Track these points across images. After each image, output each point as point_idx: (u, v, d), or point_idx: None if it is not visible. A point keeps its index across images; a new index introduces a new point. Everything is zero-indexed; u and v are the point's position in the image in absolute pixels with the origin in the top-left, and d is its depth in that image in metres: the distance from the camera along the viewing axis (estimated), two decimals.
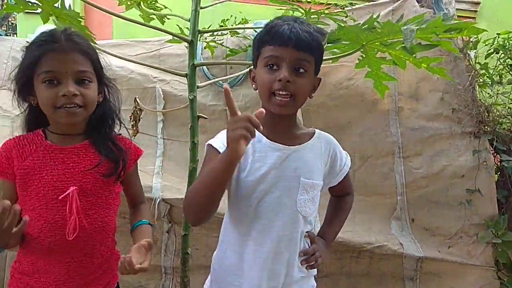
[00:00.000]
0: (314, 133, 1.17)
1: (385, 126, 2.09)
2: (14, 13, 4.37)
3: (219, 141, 1.07)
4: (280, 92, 1.02)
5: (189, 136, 1.54)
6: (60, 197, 1.03)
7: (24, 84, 1.05)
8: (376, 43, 1.22)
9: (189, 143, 1.55)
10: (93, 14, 3.93)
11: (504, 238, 1.88)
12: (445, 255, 1.99)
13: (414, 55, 1.27)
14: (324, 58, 1.11)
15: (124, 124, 1.23)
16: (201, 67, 2.22)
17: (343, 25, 1.17)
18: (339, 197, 1.31)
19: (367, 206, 2.07)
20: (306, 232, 1.14)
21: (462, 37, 2.07)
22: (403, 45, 1.20)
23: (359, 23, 1.12)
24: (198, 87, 1.52)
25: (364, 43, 1.22)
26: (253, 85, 1.12)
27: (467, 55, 2.08)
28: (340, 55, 1.34)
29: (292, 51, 1.01)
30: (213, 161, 1.02)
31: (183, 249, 1.62)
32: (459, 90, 2.04)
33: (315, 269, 1.20)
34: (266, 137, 1.09)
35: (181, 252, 1.65)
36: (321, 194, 1.17)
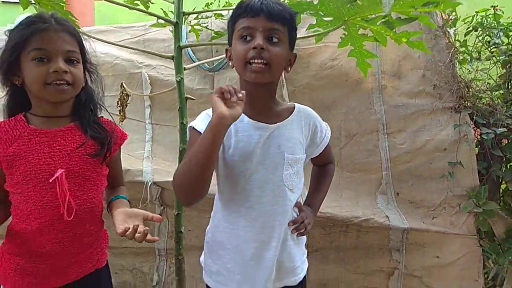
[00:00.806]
0: (294, 108, 1.20)
1: (369, 105, 2.14)
2: None
3: (200, 122, 1.11)
4: (255, 60, 1.04)
5: (178, 117, 1.56)
6: (50, 180, 1.04)
7: (10, 64, 1.05)
8: (358, 19, 1.25)
9: (178, 125, 1.58)
10: (74, 3, 3.89)
11: (485, 207, 1.95)
12: (429, 225, 2.05)
13: (394, 30, 1.31)
14: (307, 35, 1.15)
15: (106, 110, 1.25)
16: (186, 51, 2.24)
17: None
18: (321, 166, 1.36)
19: (353, 182, 2.13)
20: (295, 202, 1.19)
21: (441, 15, 2.11)
22: (383, 20, 1.24)
23: None
24: (184, 69, 1.54)
25: (346, 19, 1.26)
26: (230, 63, 1.14)
27: (446, 32, 2.13)
28: (324, 31, 1.37)
29: (264, 20, 1.04)
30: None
31: (177, 228, 1.66)
32: (439, 67, 2.09)
33: (305, 237, 1.26)
34: (248, 117, 1.12)
35: (174, 231, 1.68)
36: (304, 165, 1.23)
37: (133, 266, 2.31)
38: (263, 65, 1.04)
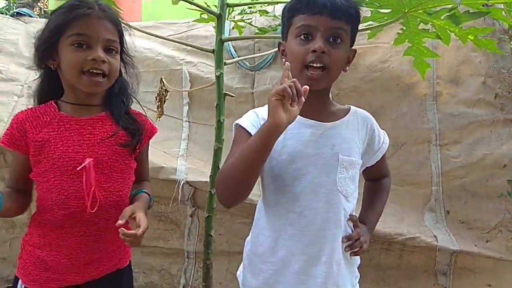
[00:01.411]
0: (350, 109, 1.10)
1: (421, 112, 1.98)
2: None
3: (247, 121, 1.03)
4: (314, 65, 0.95)
5: (215, 115, 1.48)
6: (77, 169, 1.01)
7: (48, 46, 1.02)
8: (419, 11, 1.12)
9: (215, 122, 1.50)
10: (122, 0, 3.98)
11: None
12: (482, 249, 1.87)
13: (460, 26, 1.16)
14: (360, 30, 1.04)
15: (139, 103, 1.21)
16: (228, 48, 2.17)
17: None
18: (376, 180, 1.22)
19: (399, 196, 1.96)
20: (349, 214, 1.06)
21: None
22: (449, 13, 1.10)
23: None
24: (225, 63, 1.47)
25: (406, 11, 1.13)
26: (283, 59, 1.05)
27: None
28: (379, 25, 1.25)
29: (327, 19, 0.94)
30: (243, 142, 0.98)
31: (206, 231, 1.57)
32: (502, 74, 1.90)
33: (359, 257, 1.12)
34: (300, 114, 1.01)
35: (204, 234, 1.60)
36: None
37: (161, 267, 2.26)
38: (322, 70, 0.96)
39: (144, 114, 1.20)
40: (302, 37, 0.96)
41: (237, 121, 1.05)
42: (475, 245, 1.88)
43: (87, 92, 1.04)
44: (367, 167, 1.15)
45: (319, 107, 1.04)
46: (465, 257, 1.88)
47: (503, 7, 1.17)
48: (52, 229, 1.06)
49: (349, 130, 1.06)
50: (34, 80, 1.12)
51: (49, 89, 1.10)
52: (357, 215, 1.20)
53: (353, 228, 1.08)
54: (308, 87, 0.86)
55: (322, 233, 1.01)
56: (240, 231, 2.04)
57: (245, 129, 1.01)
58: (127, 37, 1.14)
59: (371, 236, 1.15)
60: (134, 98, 1.19)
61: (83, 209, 1.03)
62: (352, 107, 1.11)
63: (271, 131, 0.86)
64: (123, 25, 1.12)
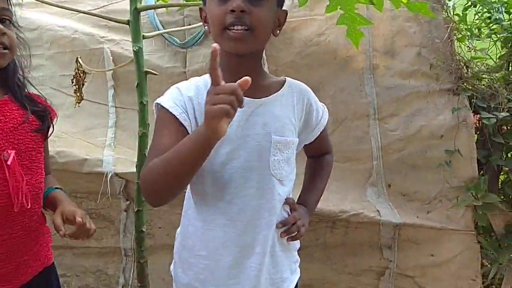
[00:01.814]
0: (285, 82, 1.00)
1: (359, 86, 1.93)
2: None
3: (170, 100, 0.90)
4: (235, 27, 0.85)
5: (136, 96, 1.32)
6: (8, 162, 0.91)
7: None
8: None
9: (137, 105, 1.33)
10: None
11: (485, 200, 1.78)
12: (423, 220, 1.88)
13: None
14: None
15: (32, 85, 1.10)
16: (155, 24, 1.98)
17: None
18: (317, 157, 1.15)
19: (341, 173, 1.92)
20: (285, 198, 0.98)
21: None
22: None
23: None
24: (144, 37, 1.29)
25: None
26: (206, 27, 0.94)
27: (445, 6, 1.93)
28: None
29: None
30: (167, 125, 0.87)
31: (137, 227, 1.43)
32: (436, 44, 1.89)
33: (298, 241, 1.05)
34: None
35: (134, 231, 1.45)
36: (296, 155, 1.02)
37: (96, 268, 2.08)
38: (245, 31, 0.86)
39: (43, 97, 1.10)
40: None
41: (157, 100, 0.92)
42: (417, 217, 1.89)
43: None
44: (306, 144, 1.07)
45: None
46: (408, 229, 1.89)
47: None
48: None
49: (283, 106, 0.96)
50: None
51: None
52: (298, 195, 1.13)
53: (289, 212, 1.00)
54: (249, 79, 0.72)
55: (255, 222, 0.93)
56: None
57: (167, 110, 0.89)
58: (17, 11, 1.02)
59: (312, 216, 1.09)
60: (28, 81, 1.08)
61: (8, 209, 0.94)
62: (287, 79, 1.02)
63: (212, 141, 0.75)
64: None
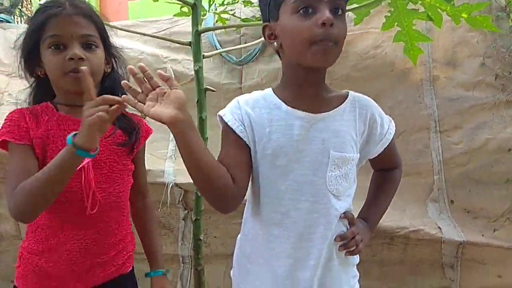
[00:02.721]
0: (347, 96, 0.98)
1: (418, 98, 1.88)
2: (28, 3, 4.37)
3: (229, 113, 0.94)
4: (323, 41, 0.84)
5: (196, 111, 1.39)
6: (77, 168, 0.96)
7: (30, 52, 1.02)
8: None
9: (196, 119, 1.40)
10: (108, 2, 3.92)
11: None
12: (489, 239, 1.78)
13: (452, 2, 1.06)
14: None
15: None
16: (213, 43, 2.08)
17: None
18: (383, 171, 1.12)
19: (400, 187, 1.83)
20: (342, 213, 0.97)
21: None
22: None
23: None
24: (204, 56, 1.37)
25: None
26: (274, 43, 0.93)
27: (511, 14, 1.83)
28: (368, 3, 1.15)
29: None
30: (228, 140, 0.93)
31: (195, 236, 1.49)
32: (502, 54, 1.80)
33: (357, 256, 1.03)
34: (287, 104, 0.93)
35: (192, 239, 1.51)
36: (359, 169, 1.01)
37: None
38: (332, 45, 0.85)
39: (142, 117, 1.17)
40: (301, 11, 0.85)
41: (219, 113, 0.96)
42: (483, 235, 1.79)
43: (74, 91, 1.01)
44: (371, 158, 1.05)
45: (311, 94, 0.94)
46: (473, 248, 1.79)
47: None
48: (50, 234, 1.03)
49: (344, 121, 0.94)
50: (24, 89, 1.10)
51: (42, 94, 1.08)
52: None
53: (348, 227, 0.99)
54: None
55: (309, 235, 0.93)
56: (236, 233, 1.94)
57: (227, 123, 0.93)
58: (113, 37, 1.10)
59: (372, 232, 1.07)
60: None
61: (83, 211, 1.01)
62: (351, 93, 0.99)
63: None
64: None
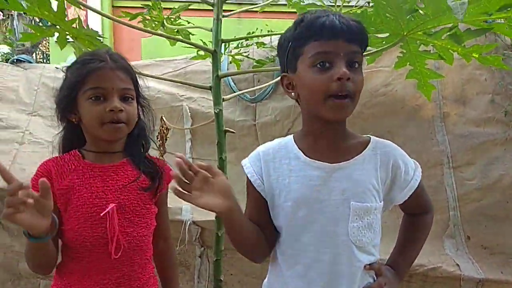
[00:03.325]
0: (369, 142, 0.95)
1: (430, 134, 1.91)
2: (47, 42, 4.54)
3: (249, 165, 0.97)
4: (340, 94, 0.84)
5: (217, 153, 1.44)
6: (101, 214, 1.03)
7: (68, 102, 1.07)
8: (419, 33, 1.08)
9: (217, 160, 1.44)
10: (122, 39, 4.05)
11: None
12: (509, 276, 1.75)
13: (463, 44, 1.11)
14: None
15: (156, 144, 1.28)
16: (228, 82, 2.15)
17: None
18: (414, 216, 1.06)
19: None
20: (368, 265, 0.94)
21: None
22: (449, 32, 1.06)
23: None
24: (223, 99, 1.43)
25: (404, 33, 1.09)
26: (292, 93, 0.94)
27: None
28: (378, 49, 1.21)
29: (344, 44, 0.85)
30: (250, 192, 0.97)
31: (216, 276, 1.49)
32: (510, 91, 1.84)
33: None
34: (305, 154, 0.93)
35: (214, 280, 1.52)
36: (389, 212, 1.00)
37: None
38: (348, 98, 0.85)
39: (163, 159, 1.24)
40: (318, 65, 0.86)
41: (242, 163, 0.99)
42: (502, 272, 1.77)
43: (109, 140, 1.07)
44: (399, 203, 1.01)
45: (330, 143, 0.93)
46: (492, 286, 1.76)
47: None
48: (77, 278, 1.06)
49: (364, 170, 0.92)
50: (57, 133, 1.15)
51: (73, 139, 1.13)
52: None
53: (375, 277, 0.96)
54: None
55: (333, 287, 0.92)
56: (252, 270, 1.96)
57: (247, 175, 0.96)
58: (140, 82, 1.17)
59: (401, 280, 1.04)
60: (152, 140, 1.21)
61: (107, 255, 1.03)
62: (372, 139, 0.97)
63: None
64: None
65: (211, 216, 1.89)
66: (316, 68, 0.86)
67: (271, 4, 1.82)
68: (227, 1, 1.42)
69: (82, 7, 1.42)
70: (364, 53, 0.94)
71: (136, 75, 1.13)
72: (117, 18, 1.50)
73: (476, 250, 1.82)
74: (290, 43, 0.92)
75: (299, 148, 0.94)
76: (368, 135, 0.98)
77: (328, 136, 0.92)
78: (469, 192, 1.84)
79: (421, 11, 0.98)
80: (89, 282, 1.05)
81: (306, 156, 0.93)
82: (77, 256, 1.04)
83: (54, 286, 1.10)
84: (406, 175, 0.95)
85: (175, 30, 1.76)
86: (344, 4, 1.72)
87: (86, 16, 4.27)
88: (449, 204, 1.85)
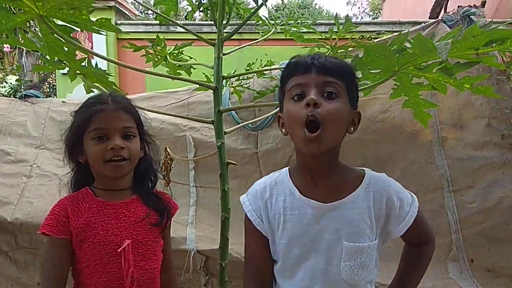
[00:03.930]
0: (363, 178, 0.95)
1: (429, 159, 1.95)
2: (54, 73, 4.65)
3: (248, 203, 0.99)
4: (310, 119, 0.85)
5: (218, 182, 1.47)
6: (118, 250, 1.06)
7: (75, 143, 1.13)
8: (410, 68, 1.12)
9: (220, 191, 1.48)
10: (127, 70, 4.15)
11: None
12: None
13: (454, 76, 1.16)
14: None
15: (163, 176, 1.34)
16: (230, 112, 2.20)
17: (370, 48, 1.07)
18: (414, 246, 1.05)
19: None
20: None
21: (502, 58, 1.93)
22: (440, 66, 1.10)
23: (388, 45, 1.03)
24: (225, 132, 1.47)
25: (396, 69, 1.13)
26: (283, 130, 0.96)
27: (510, 76, 1.94)
28: (372, 84, 1.25)
29: (317, 76, 0.89)
30: (249, 231, 0.98)
31: None
32: (506, 115, 1.89)
33: None
34: (300, 191, 0.94)
35: None
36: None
37: None
38: (317, 128, 0.85)
39: (167, 193, 1.29)
40: (295, 98, 0.90)
41: (241, 199, 1.01)
42: None
43: (113, 177, 1.11)
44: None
45: (324, 182, 0.93)
46: None
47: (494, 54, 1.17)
48: None
49: (358, 209, 0.91)
50: (67, 173, 1.20)
51: (82, 178, 1.18)
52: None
53: None
54: None
55: None
56: None
57: (247, 215, 0.98)
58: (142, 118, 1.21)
59: None
60: (160, 172, 1.27)
61: None
62: (367, 173, 0.96)
63: None
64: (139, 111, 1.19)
65: (215, 245, 1.91)
66: (293, 100, 0.90)
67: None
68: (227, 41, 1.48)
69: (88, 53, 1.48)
70: (362, 88, 0.96)
71: (139, 113, 1.17)
72: (121, 62, 1.57)
73: (480, 273, 1.83)
74: (280, 83, 0.97)
75: (294, 184, 0.95)
76: (363, 168, 0.98)
77: (319, 171, 0.92)
78: (470, 215, 1.86)
79: (409, 50, 1.03)
80: None
81: (301, 194, 0.94)
82: None
83: None
84: (401, 211, 0.94)
85: (177, 65, 1.82)
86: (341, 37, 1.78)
87: (92, 47, 4.39)
88: (450, 228, 1.87)
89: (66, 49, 1.33)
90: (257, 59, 2.30)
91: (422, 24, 2.15)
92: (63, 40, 1.23)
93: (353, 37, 1.80)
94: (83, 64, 1.42)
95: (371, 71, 1.17)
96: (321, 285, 0.92)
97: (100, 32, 1.29)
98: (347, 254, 0.90)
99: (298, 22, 1.87)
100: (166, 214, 1.18)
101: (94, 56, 1.51)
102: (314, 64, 0.90)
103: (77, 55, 1.41)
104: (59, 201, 1.13)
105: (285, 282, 0.96)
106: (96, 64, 1.51)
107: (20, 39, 1.32)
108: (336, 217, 0.91)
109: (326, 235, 0.91)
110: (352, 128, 0.95)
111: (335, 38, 1.71)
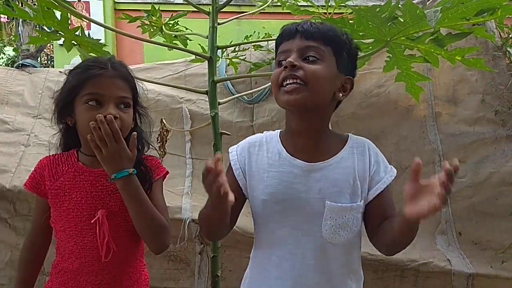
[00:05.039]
0: (347, 141, 0.98)
1: (422, 134, 1.96)
2: (51, 45, 4.63)
3: (235, 153, 1.02)
4: (288, 81, 0.89)
5: (212, 154, 1.50)
6: (91, 221, 1.05)
7: (65, 104, 1.09)
8: (402, 38, 1.13)
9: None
10: (124, 42, 4.12)
11: None
12: (498, 271, 1.81)
13: (445, 48, 1.17)
14: None
15: (154, 147, 1.29)
16: (225, 84, 2.21)
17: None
18: (384, 221, 0.96)
19: None
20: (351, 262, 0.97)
21: (500, 34, 1.93)
22: (432, 37, 1.11)
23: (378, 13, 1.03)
24: (219, 103, 1.49)
25: (388, 39, 1.14)
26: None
27: (507, 52, 1.94)
28: (365, 54, 1.26)
29: (299, 41, 0.91)
30: (228, 175, 0.97)
31: (213, 272, 1.56)
32: (501, 91, 1.89)
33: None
34: (287, 151, 0.97)
35: (211, 275, 1.58)
36: None
37: None
38: (297, 84, 0.88)
39: (158, 157, 1.27)
40: (279, 63, 0.94)
41: (231, 149, 1.04)
42: (491, 267, 1.82)
43: None
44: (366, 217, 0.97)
45: (310, 143, 0.96)
46: (482, 280, 1.81)
47: (486, 25, 1.17)
48: (70, 277, 1.09)
49: (342, 169, 0.94)
50: (54, 134, 1.17)
51: (70, 141, 1.15)
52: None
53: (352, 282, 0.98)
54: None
55: (306, 281, 0.94)
56: None
57: (231, 164, 1.01)
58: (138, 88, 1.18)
59: (380, 264, 1.05)
60: (149, 143, 1.23)
61: (98, 258, 1.06)
62: (350, 137, 0.99)
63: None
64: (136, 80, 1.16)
65: None
66: (277, 66, 0.94)
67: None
68: (222, 10, 1.47)
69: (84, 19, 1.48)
70: (351, 54, 0.96)
71: (136, 83, 1.14)
72: (118, 29, 1.57)
73: (467, 246, 1.87)
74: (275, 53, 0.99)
75: (283, 145, 0.98)
76: (347, 133, 1.00)
77: (305, 133, 0.95)
78: (460, 190, 1.89)
79: (400, 19, 1.03)
80: (84, 281, 1.08)
81: (288, 153, 0.96)
82: (71, 256, 1.08)
83: (49, 282, 1.13)
84: (376, 174, 0.95)
85: (173, 36, 1.82)
86: (339, 5, 1.76)
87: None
88: None
89: (59, 17, 1.33)
90: (254, 31, 2.29)
91: None
92: (57, 4, 1.23)
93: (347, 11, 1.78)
94: (77, 33, 1.43)
95: (363, 40, 1.18)
96: (303, 243, 0.94)
97: None
98: (328, 213, 0.92)
99: None
100: (148, 182, 1.12)
101: (91, 28, 1.51)
102: (298, 31, 0.92)
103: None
104: (42, 158, 1.12)
105: (265, 241, 0.99)
106: (89, 34, 1.51)
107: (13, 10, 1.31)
108: (320, 177, 0.93)
109: (309, 195, 0.93)
110: (341, 94, 0.95)
111: (331, 13, 1.70)
